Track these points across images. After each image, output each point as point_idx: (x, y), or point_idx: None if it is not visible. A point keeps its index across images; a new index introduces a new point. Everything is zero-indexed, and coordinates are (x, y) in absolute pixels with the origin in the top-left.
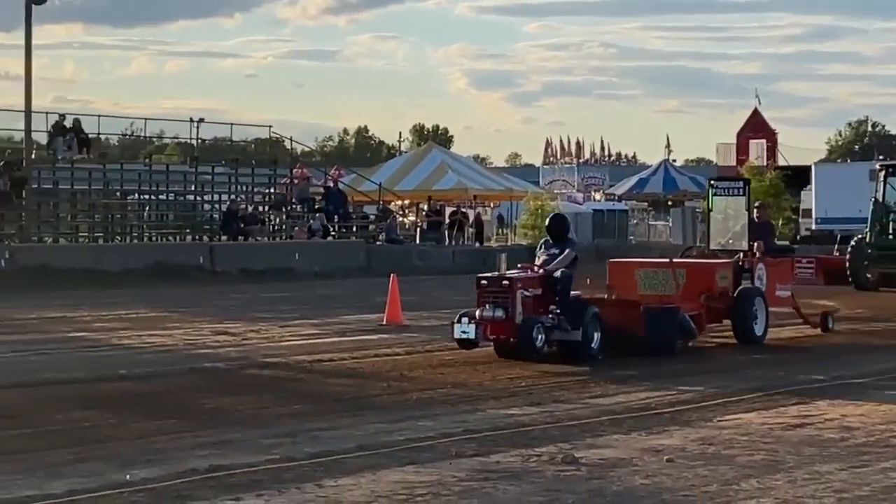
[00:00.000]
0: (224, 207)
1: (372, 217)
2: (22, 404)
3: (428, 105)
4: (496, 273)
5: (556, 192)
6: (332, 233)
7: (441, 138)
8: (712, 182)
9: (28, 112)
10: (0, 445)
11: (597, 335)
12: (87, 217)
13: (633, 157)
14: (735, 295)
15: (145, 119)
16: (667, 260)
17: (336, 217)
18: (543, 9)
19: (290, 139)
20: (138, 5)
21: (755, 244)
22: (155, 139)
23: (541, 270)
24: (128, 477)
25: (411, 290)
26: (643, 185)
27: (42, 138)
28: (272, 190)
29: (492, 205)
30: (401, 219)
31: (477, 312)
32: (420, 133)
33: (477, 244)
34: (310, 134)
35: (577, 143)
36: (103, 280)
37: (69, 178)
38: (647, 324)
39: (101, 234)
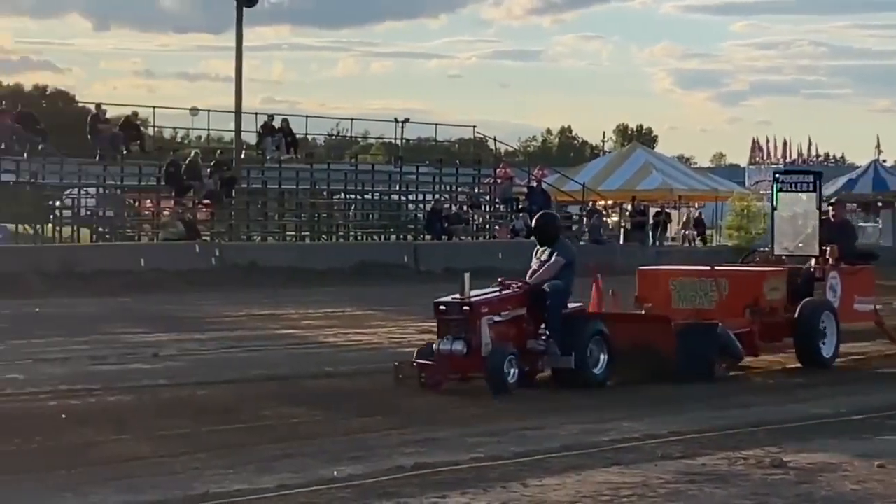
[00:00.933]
0: (428, 207)
1: (575, 217)
2: (233, 400)
3: (632, 105)
4: (456, 297)
5: (762, 192)
6: None
7: (645, 138)
8: (777, 175)
9: (238, 113)
10: (213, 440)
11: (603, 357)
12: (293, 216)
13: (842, 157)
14: (798, 309)
15: (351, 119)
16: (706, 267)
17: None
18: (751, 7)
19: (494, 139)
20: (345, 7)
21: (828, 249)
22: (360, 139)
23: (518, 286)
24: (335, 473)
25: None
26: (852, 186)
27: (251, 138)
28: (476, 189)
29: (696, 205)
30: (604, 219)
31: (435, 346)
32: (624, 133)
33: (697, 244)
34: (513, 134)
35: (784, 143)
36: (309, 278)
37: (277, 178)
38: (680, 343)
39: (307, 233)
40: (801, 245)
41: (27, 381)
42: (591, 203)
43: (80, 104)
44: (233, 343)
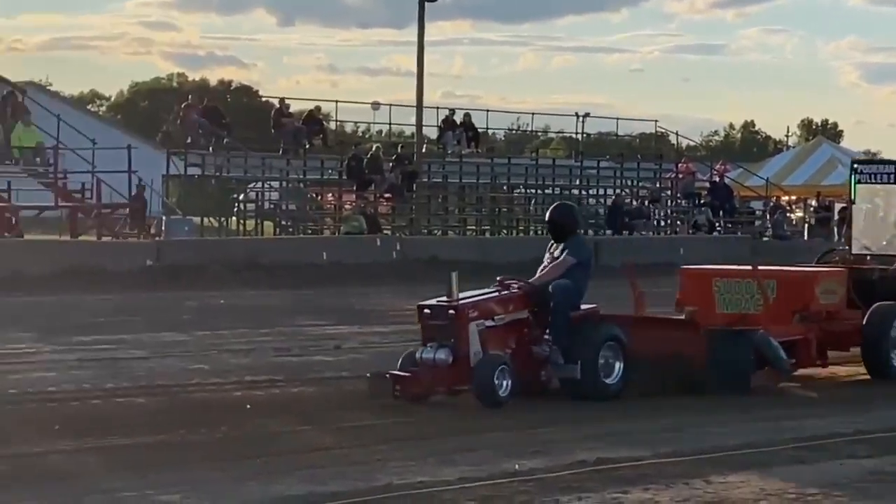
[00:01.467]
0: (609, 202)
1: (758, 212)
2: None
3: (817, 99)
4: (442, 299)
5: None
6: (718, 228)
7: (830, 133)
8: (856, 165)
9: (419, 107)
10: (395, 432)
11: (618, 366)
12: (474, 210)
13: None
14: (867, 315)
15: (532, 114)
16: (748, 267)
17: (721, 212)
18: None
19: (676, 133)
20: (526, 2)
21: None
22: (541, 133)
23: (518, 286)
24: (517, 467)
25: None
26: None
27: (432, 133)
28: (657, 185)
29: None
30: (788, 214)
31: (417, 354)
32: (808, 127)
33: None
34: (695, 128)
35: None
36: (489, 272)
37: (458, 172)
38: (710, 351)
39: (487, 227)
40: (884, 243)
41: (213, 371)
42: (774, 198)
43: (264, 98)
44: (414, 336)
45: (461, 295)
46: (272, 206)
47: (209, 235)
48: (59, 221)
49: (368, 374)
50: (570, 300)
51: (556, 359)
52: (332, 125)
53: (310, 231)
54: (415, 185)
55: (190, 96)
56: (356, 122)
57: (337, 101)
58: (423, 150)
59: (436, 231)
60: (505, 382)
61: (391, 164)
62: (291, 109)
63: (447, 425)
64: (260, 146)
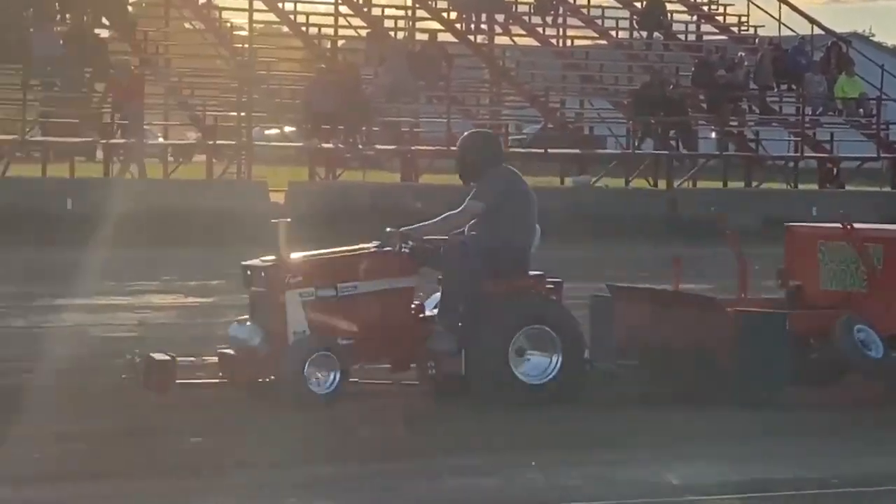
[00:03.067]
0: None
1: None
2: None
3: None
4: (268, 258)
5: None
6: None
7: None
8: None
9: None
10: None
11: (554, 360)
12: None
13: None
14: None
15: None
16: (839, 225)
17: None
18: None
19: None
20: None
21: None
22: None
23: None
24: None
25: None
26: None
27: None
28: None
29: None
30: None
31: (229, 330)
32: None
33: None
34: None
35: None
36: None
37: None
38: (743, 342)
39: None
40: None
41: None
42: None
43: None
44: None
45: (298, 254)
46: None
47: None
48: (878, 173)
49: (128, 356)
50: (466, 264)
51: (439, 345)
52: None
53: None
54: None
55: None
56: None
57: None
58: None
59: None
60: (330, 375)
61: None
62: None
63: None
64: None
